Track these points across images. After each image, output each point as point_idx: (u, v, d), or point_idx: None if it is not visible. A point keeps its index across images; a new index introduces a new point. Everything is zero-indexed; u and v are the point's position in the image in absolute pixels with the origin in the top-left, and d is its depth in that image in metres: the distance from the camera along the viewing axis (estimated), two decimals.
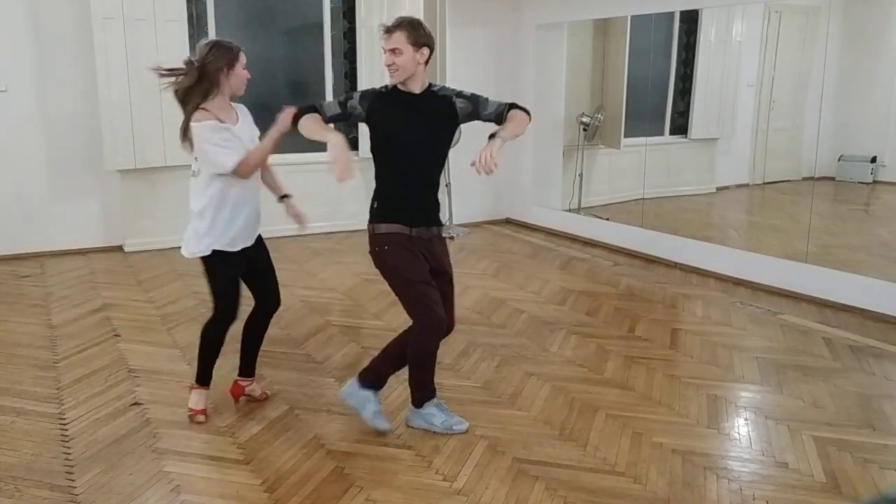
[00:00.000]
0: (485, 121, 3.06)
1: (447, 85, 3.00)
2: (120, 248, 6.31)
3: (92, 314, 4.68)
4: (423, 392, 3.14)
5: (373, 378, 3.14)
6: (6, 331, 4.37)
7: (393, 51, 2.86)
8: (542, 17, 7.08)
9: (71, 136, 6.08)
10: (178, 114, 3.02)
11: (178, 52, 6.10)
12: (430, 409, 3.14)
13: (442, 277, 3.08)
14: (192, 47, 6.37)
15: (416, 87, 2.96)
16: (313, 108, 2.97)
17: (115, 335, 4.30)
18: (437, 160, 3.05)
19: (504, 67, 7.40)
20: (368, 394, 3.11)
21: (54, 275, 5.59)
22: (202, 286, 5.38)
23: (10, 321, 4.54)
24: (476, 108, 3.01)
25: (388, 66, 2.90)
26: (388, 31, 2.88)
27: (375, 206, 3.03)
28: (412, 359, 3.08)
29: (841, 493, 2.69)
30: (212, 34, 6.52)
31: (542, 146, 7.36)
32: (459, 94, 3.02)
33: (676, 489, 2.71)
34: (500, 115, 3.01)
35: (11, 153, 5.92)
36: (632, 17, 6.59)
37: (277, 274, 3.35)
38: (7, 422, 3.20)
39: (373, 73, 7.06)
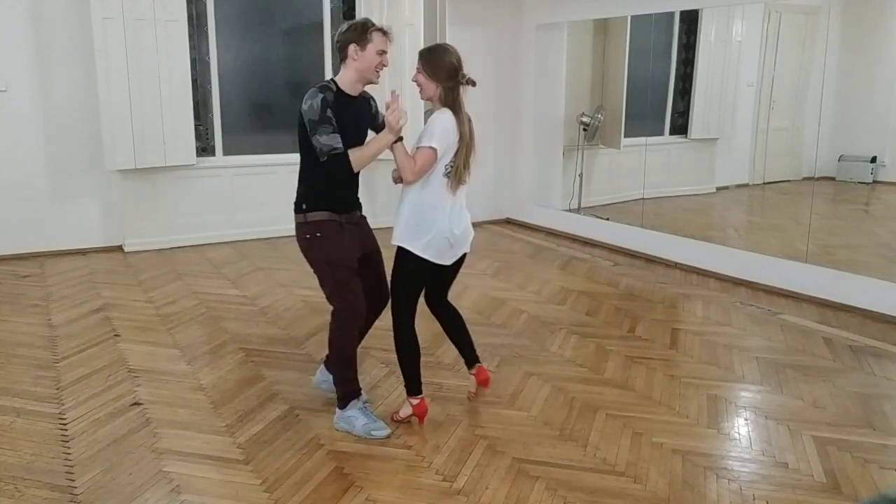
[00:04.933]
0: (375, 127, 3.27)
1: None
2: (120, 248, 6.31)
3: (92, 314, 4.68)
4: (344, 390, 3.09)
5: (342, 391, 3.11)
6: (6, 331, 4.37)
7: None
8: (542, 17, 7.08)
9: (71, 136, 6.08)
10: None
11: (178, 52, 6.12)
12: (352, 410, 3.08)
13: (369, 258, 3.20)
14: (193, 47, 6.39)
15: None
16: (343, 154, 2.94)
17: (115, 335, 4.30)
18: None
19: (504, 67, 7.40)
20: (352, 412, 3.09)
21: (54, 275, 5.59)
22: (202, 286, 5.43)
23: (10, 321, 4.54)
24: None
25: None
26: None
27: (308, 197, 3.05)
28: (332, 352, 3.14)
29: (841, 493, 2.69)
30: (212, 34, 6.52)
31: (542, 146, 7.36)
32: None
33: (676, 489, 2.71)
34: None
35: (11, 153, 5.92)
36: (632, 17, 6.59)
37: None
38: (7, 422, 3.20)
39: None
